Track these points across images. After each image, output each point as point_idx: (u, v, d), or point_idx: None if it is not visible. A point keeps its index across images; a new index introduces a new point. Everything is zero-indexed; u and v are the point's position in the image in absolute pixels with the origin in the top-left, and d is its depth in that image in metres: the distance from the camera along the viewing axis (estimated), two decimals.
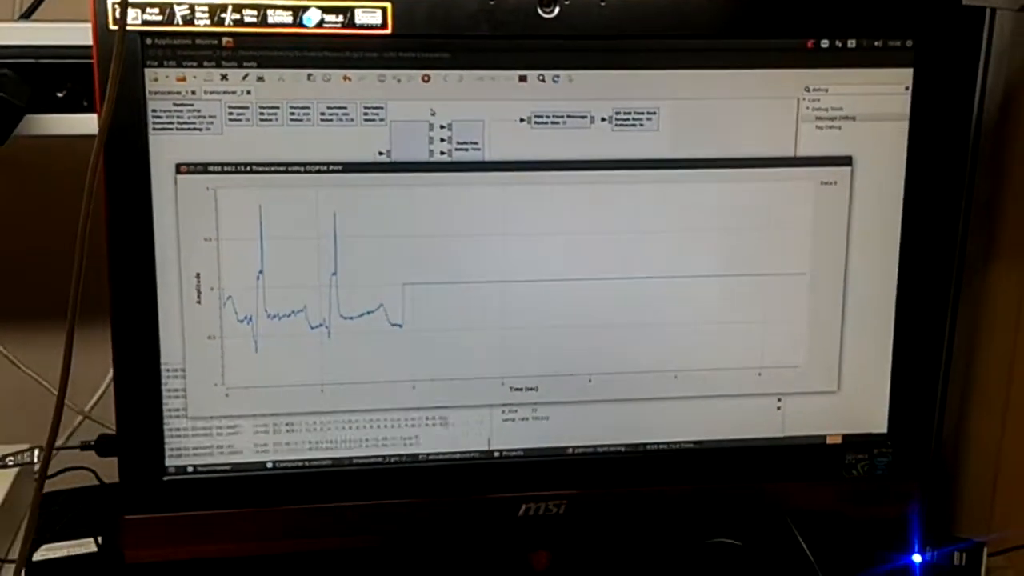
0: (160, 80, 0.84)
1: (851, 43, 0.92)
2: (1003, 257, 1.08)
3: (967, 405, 1.14)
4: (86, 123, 0.96)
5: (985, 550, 1.05)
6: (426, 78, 0.88)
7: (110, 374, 1.07)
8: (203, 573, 0.94)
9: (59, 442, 1.09)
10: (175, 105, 0.85)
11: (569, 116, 0.90)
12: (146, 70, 0.84)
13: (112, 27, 0.82)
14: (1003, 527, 1.10)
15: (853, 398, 0.98)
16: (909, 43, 0.92)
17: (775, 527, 0.98)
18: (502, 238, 0.91)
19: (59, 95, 0.96)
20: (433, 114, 0.88)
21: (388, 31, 0.86)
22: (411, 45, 0.87)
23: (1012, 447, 1.10)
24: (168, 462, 0.90)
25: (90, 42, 0.91)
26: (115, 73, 0.72)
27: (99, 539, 1.04)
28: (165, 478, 0.90)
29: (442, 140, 0.89)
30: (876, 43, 0.92)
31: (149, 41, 0.83)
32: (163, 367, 0.88)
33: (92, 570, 1.00)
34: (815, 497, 0.99)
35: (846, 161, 0.94)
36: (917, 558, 1.03)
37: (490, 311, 0.92)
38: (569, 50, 0.89)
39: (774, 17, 0.91)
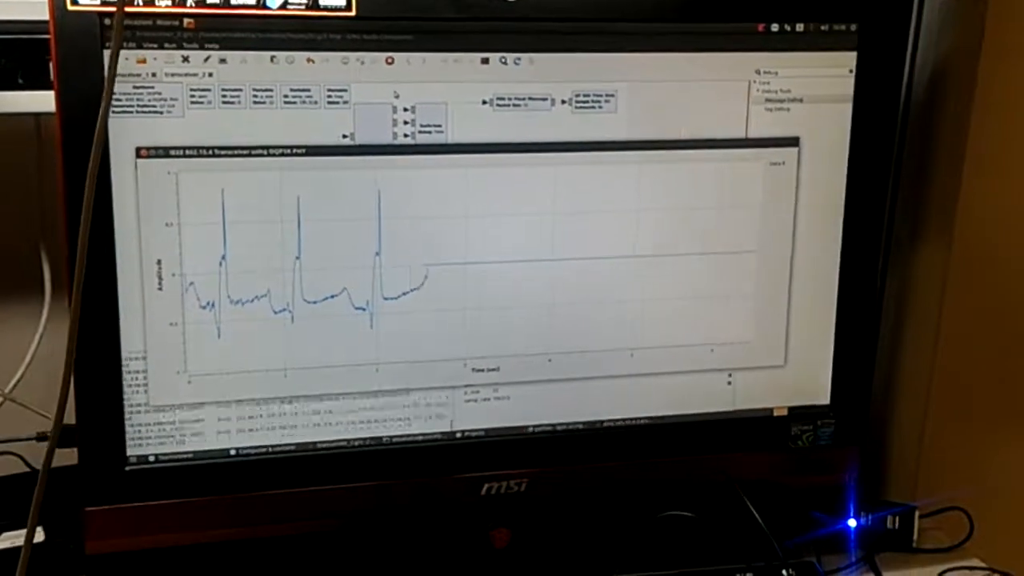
0: (119, 62, 0.82)
1: (799, 27, 0.95)
2: (929, 234, 1.13)
3: (894, 376, 1.19)
4: (24, 100, 0.93)
5: (917, 513, 1.10)
6: (390, 60, 0.87)
7: (31, 351, 1.05)
8: (163, 559, 0.93)
9: None
10: (135, 88, 0.83)
11: (530, 98, 0.91)
12: (105, 52, 0.81)
13: (71, 8, 0.80)
14: (928, 491, 1.15)
15: (798, 372, 1.02)
16: (853, 27, 0.96)
17: (726, 498, 1.01)
18: (464, 220, 0.91)
19: None
20: (397, 96, 0.88)
21: (352, 13, 0.85)
22: (375, 27, 0.87)
23: (936, 416, 1.15)
24: (130, 451, 0.89)
25: (24, 17, 0.89)
26: (114, 56, 0.70)
27: (44, 528, 1.01)
28: (127, 468, 0.89)
29: (406, 123, 0.89)
30: (823, 27, 0.96)
31: (108, 22, 0.81)
32: (124, 355, 0.87)
33: (46, 560, 0.97)
34: (763, 467, 1.03)
35: (793, 142, 0.97)
36: (853, 522, 1.08)
37: (452, 293, 0.92)
38: (530, 33, 0.90)
39: (727, 2, 0.93)
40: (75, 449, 0.88)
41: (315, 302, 0.90)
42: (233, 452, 0.91)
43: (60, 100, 0.81)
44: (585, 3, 0.90)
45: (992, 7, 1.03)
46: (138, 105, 0.83)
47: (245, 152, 0.86)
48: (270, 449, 0.92)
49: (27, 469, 1.07)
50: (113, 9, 0.80)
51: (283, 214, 0.88)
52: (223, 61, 0.84)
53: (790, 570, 1.00)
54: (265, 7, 0.84)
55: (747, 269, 0.99)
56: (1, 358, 1.08)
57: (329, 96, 0.87)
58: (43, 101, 0.89)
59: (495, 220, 0.92)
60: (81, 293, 0.83)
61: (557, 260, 0.94)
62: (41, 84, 0.91)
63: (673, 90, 0.94)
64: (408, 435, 0.95)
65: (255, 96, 0.85)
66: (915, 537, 1.10)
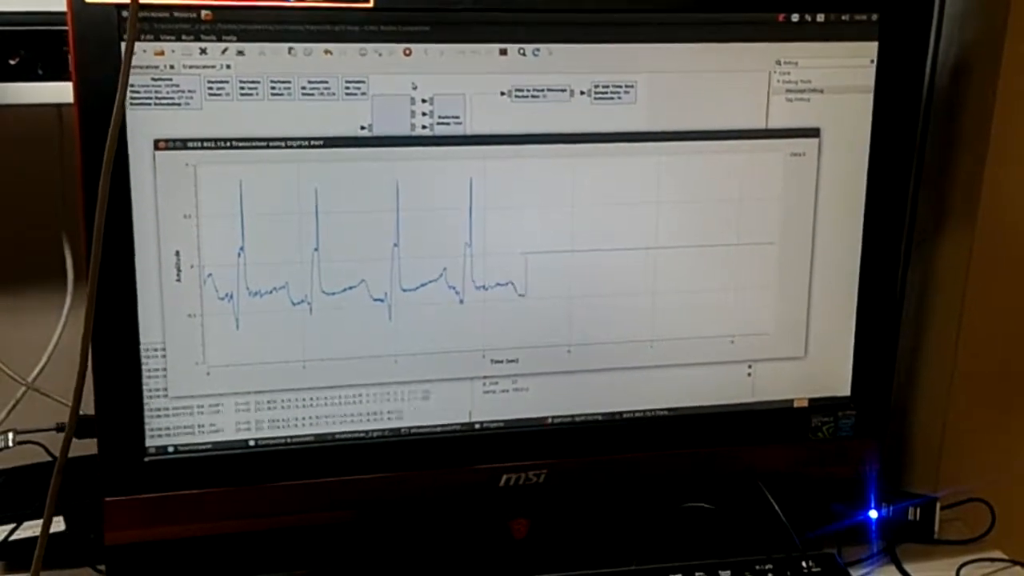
0: (137, 54, 0.82)
1: (820, 17, 0.94)
2: (951, 224, 1.12)
3: (916, 367, 1.18)
4: (44, 91, 0.93)
5: (938, 505, 1.09)
6: (407, 52, 0.87)
7: (53, 341, 1.06)
8: (182, 550, 0.93)
9: (2, 416, 1.07)
10: (153, 80, 0.83)
11: (549, 90, 0.90)
12: (123, 44, 0.81)
13: (89, 0, 0.80)
14: (949, 482, 1.14)
15: (819, 363, 1.01)
16: (874, 17, 0.95)
17: (746, 490, 1.00)
18: (482, 212, 0.91)
19: (11, 63, 0.93)
20: (415, 88, 0.88)
21: (370, 4, 0.85)
22: (392, 19, 0.86)
23: (958, 407, 1.14)
24: (149, 442, 0.89)
25: (43, 8, 0.89)
26: (129, 48, 0.70)
27: (65, 518, 1.02)
28: (146, 459, 0.89)
29: (424, 114, 0.88)
30: (843, 17, 0.95)
31: (125, 14, 0.81)
32: (142, 346, 0.87)
33: (66, 549, 0.98)
34: (783, 459, 1.02)
35: (814, 133, 0.96)
36: (874, 514, 1.07)
37: (471, 285, 0.92)
38: (548, 24, 0.89)
39: None
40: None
41: (333, 294, 0.90)
42: (252, 443, 0.91)
43: (78, 92, 0.81)
44: None
45: None
46: (156, 97, 0.83)
47: (263, 144, 0.86)
48: (288, 440, 0.92)
49: (49, 458, 1.08)
50: (129, 0, 0.80)
51: (301, 206, 0.88)
52: (241, 53, 0.84)
53: (810, 562, 1.00)
54: None
55: (767, 260, 0.98)
56: (24, 348, 1.08)
57: (347, 88, 0.87)
58: (63, 92, 0.89)
59: (513, 212, 0.92)
60: (98, 285, 0.83)
61: (576, 252, 0.94)
62: (61, 75, 0.91)
63: (693, 81, 0.93)
64: (426, 426, 0.95)
65: (273, 88, 0.85)
66: (936, 529, 1.09)
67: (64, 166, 1.01)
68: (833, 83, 0.95)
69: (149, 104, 0.83)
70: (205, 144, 0.85)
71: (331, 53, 0.86)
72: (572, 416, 0.97)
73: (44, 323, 1.08)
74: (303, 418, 0.92)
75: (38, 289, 1.13)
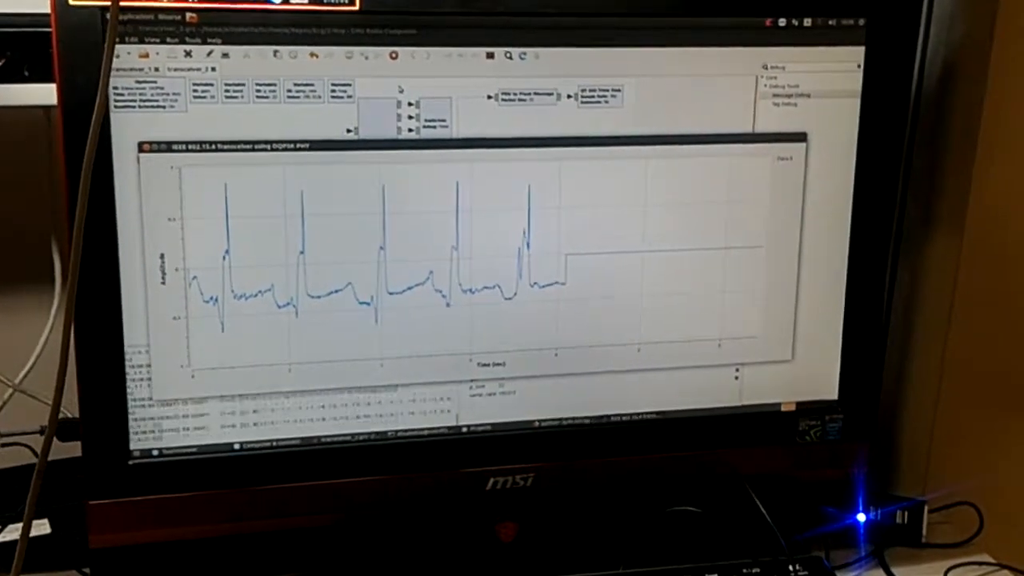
0: (122, 56, 0.82)
1: (807, 21, 0.94)
2: (940, 226, 1.12)
3: (904, 370, 1.18)
4: (30, 93, 0.93)
5: (926, 508, 1.09)
6: (394, 55, 0.87)
7: (41, 343, 1.06)
8: (167, 553, 0.93)
9: None
10: (137, 82, 0.83)
11: (536, 93, 0.90)
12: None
13: (73, 2, 0.80)
14: (937, 485, 1.14)
15: (806, 366, 1.01)
16: (861, 22, 0.95)
17: (733, 493, 1.00)
18: (469, 215, 0.91)
19: None
20: (401, 91, 0.88)
21: (355, 7, 0.85)
22: (379, 22, 0.86)
23: (946, 410, 1.14)
24: (133, 445, 0.89)
25: (28, 10, 0.89)
26: (109, 49, 0.70)
27: (50, 520, 1.01)
28: (130, 462, 0.89)
29: (410, 117, 0.88)
30: (830, 21, 0.95)
31: (109, 16, 0.81)
32: (127, 349, 0.87)
33: (51, 552, 0.98)
34: (771, 463, 1.02)
35: (801, 137, 0.96)
36: (862, 517, 1.07)
37: (457, 288, 0.92)
38: (536, 27, 0.89)
39: None
40: None
41: (319, 297, 0.90)
42: (237, 446, 0.91)
43: (62, 95, 0.81)
44: None
45: None
46: (140, 100, 0.83)
47: (248, 147, 0.86)
48: (274, 443, 0.92)
49: (35, 460, 1.08)
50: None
51: (287, 209, 0.87)
52: (226, 56, 0.84)
53: (797, 565, 1.00)
54: (268, 1, 0.83)
55: (755, 264, 0.98)
56: (12, 349, 1.08)
57: (333, 91, 0.86)
58: (50, 94, 0.89)
59: (500, 215, 0.92)
60: (83, 287, 0.83)
61: (563, 255, 0.94)
62: (48, 77, 0.90)
63: (680, 85, 0.93)
64: (413, 429, 0.94)
65: (258, 91, 0.85)
66: (924, 532, 1.09)
67: (52, 168, 1.01)
68: (820, 87, 0.95)
69: (133, 106, 0.83)
70: (190, 147, 0.85)
71: (317, 56, 0.86)
72: (559, 419, 0.97)
73: (32, 325, 1.08)
74: (289, 421, 0.91)
75: (27, 291, 1.13)
